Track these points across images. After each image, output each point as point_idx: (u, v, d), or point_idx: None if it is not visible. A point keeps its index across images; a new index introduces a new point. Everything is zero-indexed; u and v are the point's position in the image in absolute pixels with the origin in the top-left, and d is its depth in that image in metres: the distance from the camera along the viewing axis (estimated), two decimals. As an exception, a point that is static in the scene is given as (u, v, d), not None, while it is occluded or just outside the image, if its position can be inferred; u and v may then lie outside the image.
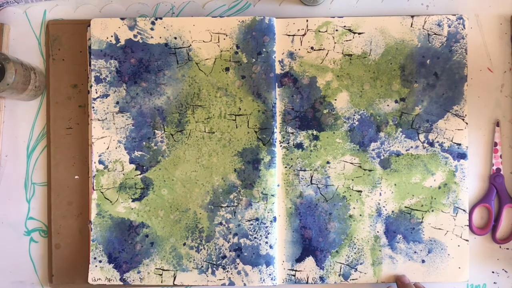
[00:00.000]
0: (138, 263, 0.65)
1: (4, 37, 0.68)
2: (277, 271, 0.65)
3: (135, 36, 0.66)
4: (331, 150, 0.66)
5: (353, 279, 0.66)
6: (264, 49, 0.65)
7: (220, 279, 0.65)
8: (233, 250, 0.65)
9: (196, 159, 0.66)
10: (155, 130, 0.66)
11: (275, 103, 0.65)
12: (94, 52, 0.66)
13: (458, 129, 0.66)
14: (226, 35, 0.66)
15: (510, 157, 0.68)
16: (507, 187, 0.67)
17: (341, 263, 0.66)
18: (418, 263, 0.66)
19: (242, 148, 0.65)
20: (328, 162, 0.66)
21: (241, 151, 0.65)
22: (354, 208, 0.66)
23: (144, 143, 0.66)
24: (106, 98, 0.66)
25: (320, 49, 0.66)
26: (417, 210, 0.66)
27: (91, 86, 0.66)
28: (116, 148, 0.66)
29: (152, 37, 0.66)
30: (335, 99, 0.66)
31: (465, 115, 0.66)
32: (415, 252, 0.66)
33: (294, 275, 0.66)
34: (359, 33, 0.66)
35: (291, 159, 0.66)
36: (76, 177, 0.68)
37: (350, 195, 0.66)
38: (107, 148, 0.66)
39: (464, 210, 0.66)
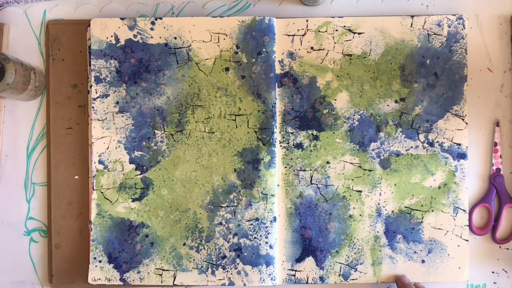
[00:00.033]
0: (138, 263, 0.65)
1: (4, 37, 0.68)
2: (277, 271, 0.65)
3: (135, 36, 0.66)
4: (331, 150, 0.66)
5: (353, 279, 0.66)
6: (264, 49, 0.65)
7: (220, 279, 0.65)
8: (233, 250, 0.65)
9: (196, 159, 0.66)
10: (155, 130, 0.66)
11: (275, 103, 0.65)
12: (94, 52, 0.66)
13: (458, 129, 0.66)
14: (226, 35, 0.66)
15: (510, 157, 0.68)
16: (507, 187, 0.67)
17: (341, 263, 0.66)
18: (418, 263, 0.66)
19: (242, 148, 0.65)
20: (328, 162, 0.66)
21: (241, 151, 0.65)
22: (354, 208, 0.66)
23: (144, 143, 0.66)
24: (106, 98, 0.66)
25: (320, 49, 0.66)
26: (417, 210, 0.66)
27: (91, 86, 0.66)
28: (116, 148, 0.66)
29: (152, 37, 0.66)
30: (335, 99, 0.66)
31: (465, 115, 0.66)
32: (415, 252, 0.66)
33: (294, 275, 0.66)
34: (359, 33, 0.66)
35: (291, 159, 0.66)
36: (76, 177, 0.68)
37: (350, 195, 0.66)
38: (107, 148, 0.66)
39: (464, 210, 0.66)
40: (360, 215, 0.66)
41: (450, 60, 0.66)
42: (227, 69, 0.66)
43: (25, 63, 0.64)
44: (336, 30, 0.66)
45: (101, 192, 0.66)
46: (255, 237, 0.65)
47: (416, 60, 0.66)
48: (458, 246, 0.66)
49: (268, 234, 0.65)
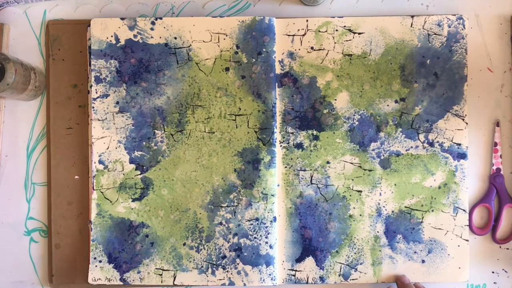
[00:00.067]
0: (138, 263, 0.65)
1: (4, 37, 0.68)
2: (277, 271, 0.65)
3: (135, 36, 0.66)
4: (331, 150, 0.66)
5: (353, 279, 0.66)
6: (264, 49, 0.65)
7: (220, 279, 0.65)
8: (233, 250, 0.65)
9: (196, 159, 0.66)
10: (155, 130, 0.66)
11: (275, 103, 0.65)
12: (94, 52, 0.66)
13: (458, 129, 0.66)
14: (226, 35, 0.66)
15: (510, 157, 0.68)
16: (507, 187, 0.67)
17: (341, 263, 0.66)
18: (418, 263, 0.66)
19: (242, 148, 0.65)
20: (328, 162, 0.66)
21: (241, 151, 0.65)
22: (354, 208, 0.66)
23: (144, 143, 0.66)
24: (106, 98, 0.66)
25: (320, 49, 0.66)
26: (417, 210, 0.66)
27: (91, 86, 0.66)
28: (116, 148, 0.66)
29: (152, 37, 0.66)
30: (335, 99, 0.66)
31: (465, 115, 0.66)
32: (415, 252, 0.66)
33: (294, 275, 0.66)
34: (359, 33, 0.66)
35: (291, 159, 0.66)
36: (76, 177, 0.68)
37: (350, 195, 0.66)
38: (107, 148, 0.66)
39: (464, 210, 0.66)
40: (360, 215, 0.66)
41: (450, 60, 0.66)
42: (227, 69, 0.66)
43: (25, 63, 0.64)
44: (336, 30, 0.66)
45: (101, 192, 0.66)
46: (255, 237, 0.65)
47: (416, 60, 0.66)
48: (458, 246, 0.66)
49: (268, 234, 0.65)
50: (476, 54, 0.67)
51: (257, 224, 0.65)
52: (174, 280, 0.65)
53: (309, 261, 0.66)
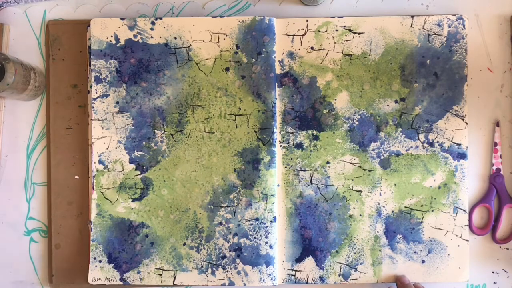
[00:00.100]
0: (138, 263, 0.65)
1: (4, 37, 0.68)
2: (277, 271, 0.65)
3: (135, 36, 0.66)
4: (331, 150, 0.66)
5: (353, 279, 0.66)
6: (264, 49, 0.65)
7: (220, 279, 0.65)
8: (233, 250, 0.65)
9: (196, 159, 0.66)
10: (155, 130, 0.66)
11: (275, 103, 0.65)
12: (94, 52, 0.66)
13: (458, 129, 0.66)
14: (226, 35, 0.66)
15: (510, 157, 0.68)
16: (507, 187, 0.67)
17: (341, 263, 0.66)
18: (418, 263, 0.66)
19: (242, 148, 0.65)
20: (328, 162, 0.66)
21: (241, 151, 0.65)
22: (354, 208, 0.66)
23: (144, 143, 0.66)
24: (106, 98, 0.66)
25: (320, 49, 0.66)
26: (417, 210, 0.66)
27: (91, 86, 0.66)
28: (116, 148, 0.66)
29: (152, 37, 0.66)
30: (335, 99, 0.66)
31: (465, 115, 0.66)
32: (415, 252, 0.66)
33: (294, 275, 0.66)
34: (359, 33, 0.66)
35: (291, 159, 0.66)
36: (76, 177, 0.68)
37: (350, 195, 0.66)
38: (107, 148, 0.66)
39: (464, 210, 0.66)
40: (360, 215, 0.66)
41: (450, 60, 0.66)
42: (227, 69, 0.66)
43: (25, 63, 0.64)
44: (336, 30, 0.66)
45: (101, 192, 0.66)
46: (255, 237, 0.65)
47: (416, 60, 0.66)
48: (458, 246, 0.66)
49: (268, 234, 0.65)
50: (476, 54, 0.67)
51: (257, 224, 0.65)
52: (174, 280, 0.65)
53: (309, 261, 0.66)
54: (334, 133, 0.66)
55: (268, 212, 0.65)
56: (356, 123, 0.66)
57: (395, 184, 0.66)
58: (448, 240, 0.66)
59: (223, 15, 0.69)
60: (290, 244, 0.66)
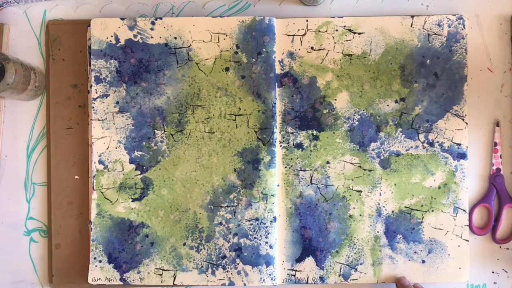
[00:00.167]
0: (138, 263, 0.65)
1: (4, 37, 0.68)
2: (277, 271, 0.65)
3: (135, 36, 0.66)
4: (331, 150, 0.66)
5: (353, 279, 0.66)
6: (264, 49, 0.65)
7: (220, 279, 0.65)
8: (233, 250, 0.65)
9: (196, 159, 0.66)
10: (155, 130, 0.66)
11: (275, 103, 0.65)
12: (94, 52, 0.66)
13: (458, 129, 0.66)
14: (226, 35, 0.66)
15: (510, 157, 0.68)
16: (507, 187, 0.67)
17: (341, 263, 0.66)
18: (418, 263, 0.66)
19: (242, 148, 0.65)
20: (328, 162, 0.66)
21: (241, 151, 0.65)
22: (354, 208, 0.66)
23: (144, 143, 0.66)
24: (106, 98, 0.66)
25: (320, 49, 0.66)
26: (417, 210, 0.66)
27: (91, 86, 0.66)
28: (116, 148, 0.66)
29: (152, 37, 0.66)
30: (335, 99, 0.66)
31: (465, 115, 0.66)
32: (415, 252, 0.66)
33: (294, 275, 0.66)
34: (359, 33, 0.66)
35: (291, 159, 0.66)
36: (76, 177, 0.68)
37: (350, 195, 0.66)
38: (107, 148, 0.66)
39: (464, 210, 0.66)
40: (360, 215, 0.66)
41: (450, 60, 0.66)
42: (227, 69, 0.66)
43: (25, 63, 0.64)
44: (336, 30, 0.66)
45: (101, 192, 0.66)
46: (255, 237, 0.65)
47: (416, 60, 0.66)
48: (458, 246, 0.65)
49: (268, 234, 0.65)
50: (476, 54, 0.67)
51: (257, 224, 0.65)
52: (174, 280, 0.65)
53: (309, 261, 0.66)
54: (334, 133, 0.66)
55: (268, 212, 0.65)
56: (356, 123, 0.66)
57: (395, 184, 0.66)
58: (448, 240, 0.66)
59: (223, 15, 0.69)
60: (290, 244, 0.66)
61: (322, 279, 0.66)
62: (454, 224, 0.66)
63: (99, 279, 0.65)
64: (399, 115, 0.66)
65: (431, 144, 0.66)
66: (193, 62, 0.66)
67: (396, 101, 0.66)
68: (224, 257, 0.65)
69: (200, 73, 0.66)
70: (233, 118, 0.66)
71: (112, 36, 0.66)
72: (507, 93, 0.68)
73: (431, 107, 0.66)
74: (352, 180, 0.66)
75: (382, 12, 0.68)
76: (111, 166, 0.66)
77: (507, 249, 0.68)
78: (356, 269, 0.66)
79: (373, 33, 0.66)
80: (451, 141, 0.66)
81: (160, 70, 0.66)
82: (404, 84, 0.66)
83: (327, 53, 0.66)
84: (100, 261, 0.65)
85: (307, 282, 0.66)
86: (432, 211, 0.66)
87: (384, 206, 0.66)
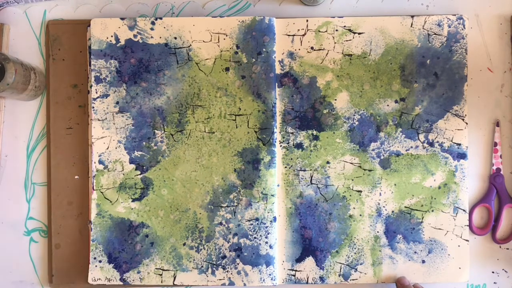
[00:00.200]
0: (138, 263, 0.65)
1: (4, 37, 0.68)
2: (277, 271, 0.65)
3: (135, 36, 0.66)
4: (331, 150, 0.66)
5: (353, 279, 0.66)
6: (264, 49, 0.65)
7: (220, 279, 0.65)
8: (233, 250, 0.65)
9: (196, 159, 0.66)
10: (155, 130, 0.66)
11: (275, 103, 0.65)
12: (94, 52, 0.66)
13: (458, 129, 0.66)
14: (226, 35, 0.66)
15: (510, 157, 0.68)
16: (507, 187, 0.67)
17: (341, 263, 0.66)
18: (418, 264, 0.66)
19: (242, 148, 0.65)
20: (328, 162, 0.66)
21: (241, 151, 0.65)
22: (354, 208, 0.66)
23: (144, 143, 0.66)
24: (106, 98, 0.66)
25: (320, 49, 0.66)
26: (417, 210, 0.66)
27: (91, 86, 0.66)
28: (116, 148, 0.66)
29: (152, 37, 0.66)
30: (335, 99, 0.66)
31: (465, 115, 0.66)
32: (415, 252, 0.66)
33: (294, 275, 0.66)
34: (359, 33, 0.66)
35: (291, 159, 0.66)
36: (76, 177, 0.68)
37: (350, 195, 0.66)
38: (107, 148, 0.66)
39: (464, 210, 0.66)
40: (360, 215, 0.66)
41: (450, 60, 0.66)
42: (227, 69, 0.66)
43: (25, 63, 0.64)
44: (336, 30, 0.66)
45: (101, 192, 0.66)
46: (255, 237, 0.65)
47: (416, 60, 0.66)
48: (458, 246, 0.65)
49: (268, 234, 0.65)
50: (476, 54, 0.67)
51: (257, 224, 0.65)
52: (174, 280, 0.65)
53: (309, 261, 0.66)
54: (334, 133, 0.66)
55: (268, 212, 0.65)
56: (356, 123, 0.66)
57: (395, 184, 0.66)
58: (448, 240, 0.66)
59: (223, 15, 0.69)
60: (290, 244, 0.66)
61: (322, 279, 0.66)
62: (454, 224, 0.66)
63: (99, 279, 0.65)
64: (399, 115, 0.66)
65: (431, 144, 0.66)
66: (193, 62, 0.66)
67: (396, 101, 0.66)
68: (224, 257, 0.65)
69: (200, 73, 0.66)
70: (233, 118, 0.66)
71: (112, 36, 0.66)
72: (507, 93, 0.68)
73: (431, 107, 0.66)
74: (352, 180, 0.66)
75: (382, 12, 0.68)
76: (111, 166, 0.66)
77: (507, 249, 0.68)
78: (356, 269, 0.66)
79: (373, 33, 0.66)
80: (451, 141, 0.66)
81: (160, 70, 0.66)
82: (404, 84, 0.66)
83: (327, 53, 0.66)
84: (100, 261, 0.65)
85: (307, 282, 0.66)
86: (432, 211, 0.66)
87: (384, 206, 0.66)
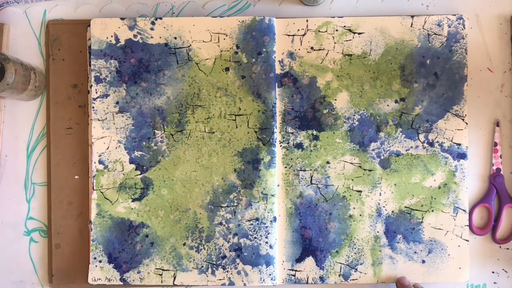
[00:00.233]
0: (138, 263, 0.65)
1: (4, 37, 0.68)
2: (277, 271, 0.65)
3: (135, 36, 0.66)
4: (331, 150, 0.66)
5: (353, 279, 0.66)
6: (264, 49, 0.65)
7: (220, 279, 0.65)
8: (233, 250, 0.65)
9: (196, 159, 0.66)
10: (155, 130, 0.66)
11: (275, 103, 0.65)
12: (94, 52, 0.66)
13: (458, 129, 0.66)
14: (226, 35, 0.66)
15: (510, 157, 0.68)
16: (507, 187, 0.67)
17: (341, 263, 0.66)
18: (418, 264, 0.66)
19: (242, 148, 0.65)
20: (328, 162, 0.66)
21: (241, 151, 0.65)
22: (354, 208, 0.66)
23: (144, 143, 0.66)
24: (106, 98, 0.66)
25: (320, 49, 0.66)
26: (417, 210, 0.66)
27: (91, 86, 0.66)
28: (116, 148, 0.66)
29: (152, 37, 0.66)
30: (335, 99, 0.66)
31: (465, 115, 0.66)
32: (415, 252, 0.66)
33: (294, 275, 0.66)
34: (359, 33, 0.66)
35: (291, 159, 0.66)
36: (76, 177, 0.68)
37: (350, 195, 0.66)
38: (107, 148, 0.66)
39: (464, 210, 0.66)
40: (360, 215, 0.66)
41: (450, 60, 0.66)
42: (227, 69, 0.66)
43: (25, 63, 0.64)
44: (336, 30, 0.66)
45: (101, 192, 0.66)
46: (255, 237, 0.65)
47: (416, 60, 0.66)
48: (459, 246, 0.65)
49: (268, 234, 0.65)
50: (476, 54, 0.67)
51: (257, 224, 0.65)
52: (174, 280, 0.65)
53: (309, 261, 0.66)
54: (334, 133, 0.66)
55: (268, 212, 0.65)
56: (356, 123, 0.66)
57: (395, 184, 0.66)
58: (448, 240, 0.66)
59: (223, 15, 0.69)
60: (290, 244, 0.66)
61: (322, 279, 0.66)
62: (454, 224, 0.66)
63: (99, 279, 0.65)
64: (399, 115, 0.66)
65: (431, 144, 0.66)
66: (193, 62, 0.66)
67: (396, 101, 0.66)
68: (224, 257, 0.65)
69: (200, 73, 0.66)
70: (233, 118, 0.66)
71: (112, 36, 0.66)
72: (507, 93, 0.68)
73: (431, 107, 0.66)
74: (352, 180, 0.66)
75: (382, 12, 0.68)
76: (111, 166, 0.66)
77: (507, 249, 0.68)
78: (356, 269, 0.66)
79: (373, 33, 0.66)
80: (451, 141, 0.66)
81: (160, 70, 0.66)
82: (404, 84, 0.66)
83: (327, 53, 0.66)
84: (100, 261, 0.65)
85: (307, 282, 0.66)
86: (432, 211, 0.66)
87: (384, 206, 0.66)
